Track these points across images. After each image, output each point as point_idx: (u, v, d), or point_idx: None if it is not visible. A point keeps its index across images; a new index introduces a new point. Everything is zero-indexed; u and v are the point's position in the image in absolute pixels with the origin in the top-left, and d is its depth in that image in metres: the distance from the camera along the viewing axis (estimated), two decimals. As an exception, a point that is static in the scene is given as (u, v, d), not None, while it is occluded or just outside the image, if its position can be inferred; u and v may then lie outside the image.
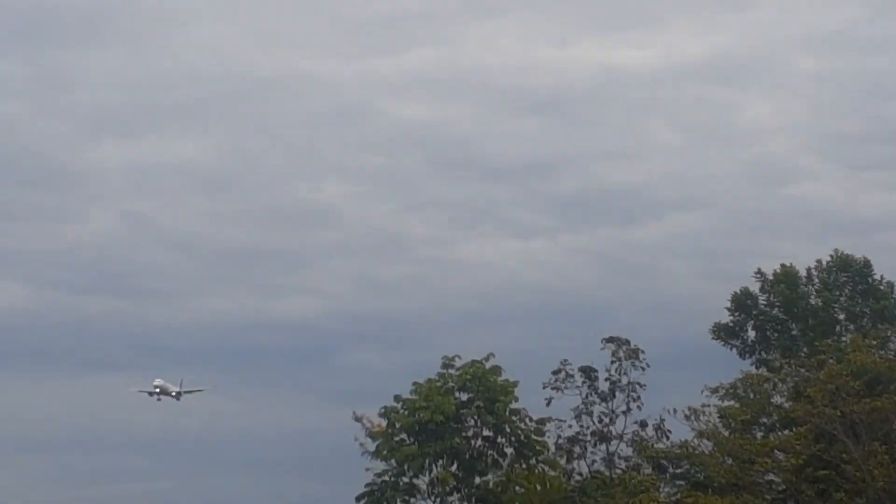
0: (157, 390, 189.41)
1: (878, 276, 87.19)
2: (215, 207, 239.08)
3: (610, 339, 74.97)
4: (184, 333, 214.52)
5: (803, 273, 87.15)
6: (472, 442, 77.48)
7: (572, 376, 75.33)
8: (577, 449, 75.00)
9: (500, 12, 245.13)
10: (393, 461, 76.64)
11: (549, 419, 76.60)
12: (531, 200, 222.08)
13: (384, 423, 77.51)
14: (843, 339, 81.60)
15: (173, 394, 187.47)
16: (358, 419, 77.77)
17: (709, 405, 74.21)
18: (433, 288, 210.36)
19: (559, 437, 75.37)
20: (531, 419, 77.17)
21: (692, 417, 73.65)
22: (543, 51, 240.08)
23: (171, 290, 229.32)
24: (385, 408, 77.86)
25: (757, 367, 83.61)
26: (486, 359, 77.95)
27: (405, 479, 76.78)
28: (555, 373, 75.35)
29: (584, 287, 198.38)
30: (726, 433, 72.92)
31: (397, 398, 77.76)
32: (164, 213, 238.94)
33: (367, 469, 76.26)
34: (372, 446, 77.12)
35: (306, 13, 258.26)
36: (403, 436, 77.13)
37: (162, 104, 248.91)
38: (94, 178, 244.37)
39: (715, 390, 74.82)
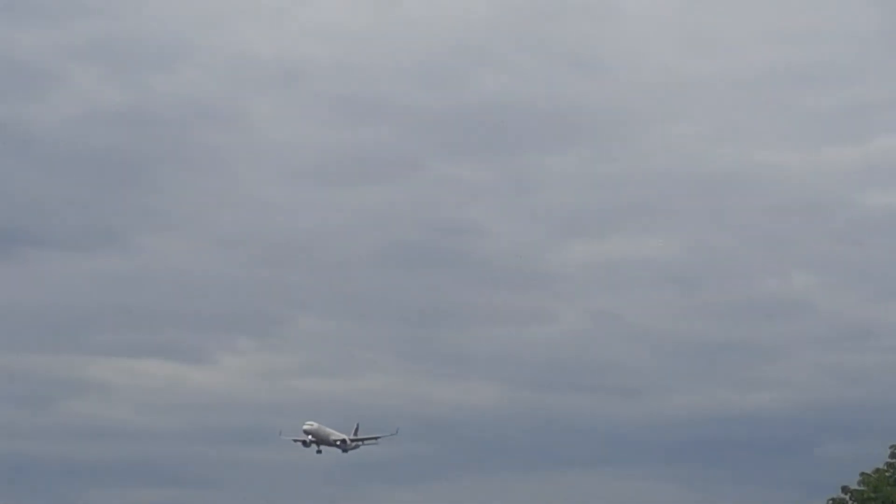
0: (309, 437, 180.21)
1: None
2: (683, 302, 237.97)
3: None
4: (654, 429, 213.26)
5: None
6: (925, 532, 74.84)
7: None
8: None
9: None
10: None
11: None
12: None
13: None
14: None
15: (337, 442, 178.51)
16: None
17: None
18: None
19: None
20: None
21: None
22: None
23: (641, 386, 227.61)
24: (833, 499, 75.71)
25: None
26: (936, 447, 75.41)
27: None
28: None
29: None
30: None
31: (845, 489, 75.57)
32: (631, 309, 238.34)
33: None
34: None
35: (766, 106, 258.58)
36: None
37: (626, 202, 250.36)
38: (563, 278, 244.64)
39: None
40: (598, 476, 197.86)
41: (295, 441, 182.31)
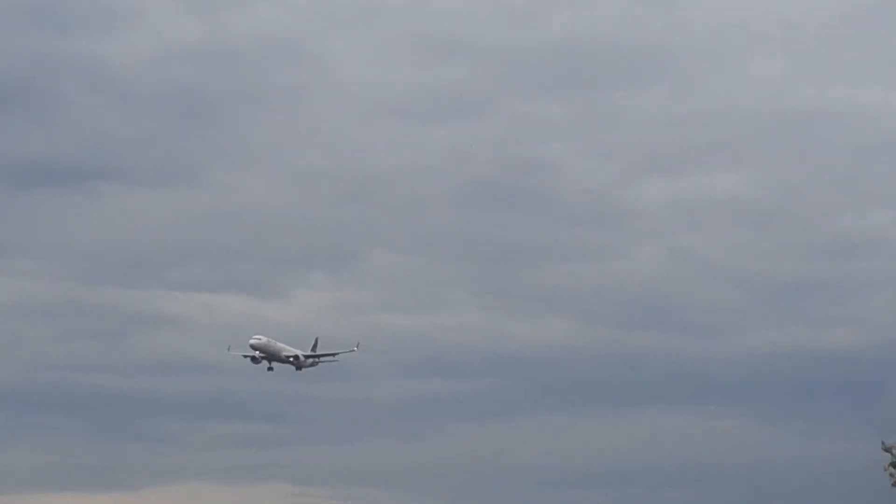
0: (258, 353, 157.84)
1: None
2: (761, 240, 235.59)
3: None
4: (730, 366, 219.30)
5: None
6: None
7: None
8: None
9: None
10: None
11: None
12: None
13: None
14: None
15: (290, 359, 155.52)
16: (887, 449, 77.59)
17: None
18: None
19: None
20: None
21: None
22: None
23: (717, 324, 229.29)
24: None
25: None
26: None
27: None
28: None
29: None
30: None
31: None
32: (709, 247, 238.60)
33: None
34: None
35: (846, 44, 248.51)
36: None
37: (705, 140, 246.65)
38: (640, 215, 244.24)
39: None
40: (673, 413, 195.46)
41: (244, 357, 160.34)
